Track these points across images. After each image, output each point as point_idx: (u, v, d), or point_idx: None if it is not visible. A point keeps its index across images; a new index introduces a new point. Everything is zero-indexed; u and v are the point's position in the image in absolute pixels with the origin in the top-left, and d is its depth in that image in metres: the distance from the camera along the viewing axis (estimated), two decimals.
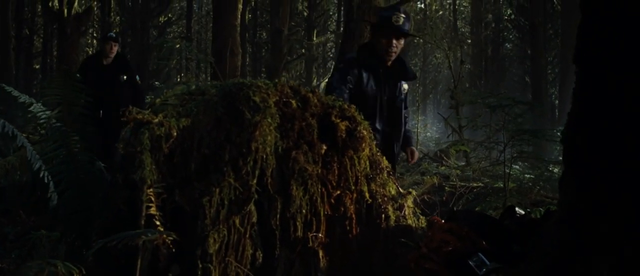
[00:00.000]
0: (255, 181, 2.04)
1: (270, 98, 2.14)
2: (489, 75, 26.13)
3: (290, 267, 2.10)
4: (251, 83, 2.15)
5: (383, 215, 2.35)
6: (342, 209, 2.25)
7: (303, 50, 21.81)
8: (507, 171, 5.56)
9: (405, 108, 3.88)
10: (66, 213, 2.19)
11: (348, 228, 2.25)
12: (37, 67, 25.58)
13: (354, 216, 2.27)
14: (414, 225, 2.44)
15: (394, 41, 3.49)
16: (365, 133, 2.34)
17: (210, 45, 12.65)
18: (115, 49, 6.71)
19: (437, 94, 31.49)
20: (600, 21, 1.78)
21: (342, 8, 21.03)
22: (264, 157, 2.06)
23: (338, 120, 2.28)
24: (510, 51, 29.98)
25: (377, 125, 3.45)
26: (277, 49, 16.25)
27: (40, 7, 21.70)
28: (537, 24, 19.78)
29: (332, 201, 2.24)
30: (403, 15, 3.50)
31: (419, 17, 25.58)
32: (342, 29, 14.87)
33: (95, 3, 21.14)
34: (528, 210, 2.70)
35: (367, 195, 2.32)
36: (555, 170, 6.74)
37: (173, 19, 27.97)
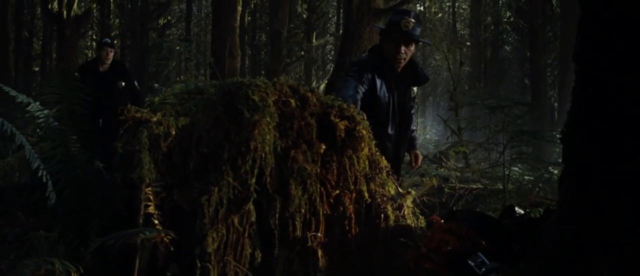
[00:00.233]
0: (254, 180, 2.03)
1: (269, 97, 2.13)
2: (488, 77, 26.16)
3: (289, 267, 2.10)
4: (250, 83, 2.14)
5: (382, 215, 2.34)
6: (341, 209, 2.24)
7: (302, 53, 21.83)
8: (507, 172, 5.56)
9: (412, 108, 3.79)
10: (64, 212, 2.18)
11: (347, 227, 2.25)
12: (36, 69, 25.59)
13: (353, 216, 2.27)
14: (413, 224, 2.44)
15: (403, 47, 3.36)
16: (364, 132, 2.33)
17: (210, 48, 12.65)
18: (111, 55, 6.58)
19: (436, 97, 31.51)
20: (599, 19, 1.78)
21: (342, 10, 21.05)
22: (263, 156, 2.06)
23: (337, 120, 2.27)
24: (510, 53, 30.02)
25: (389, 131, 3.39)
26: (276, 51, 16.27)
27: (39, 9, 21.71)
28: (536, 27, 19.80)
29: (331, 200, 2.23)
30: (413, 20, 3.35)
31: None
32: (341, 31, 14.87)
33: (95, 5, 21.14)
34: (527, 210, 2.69)
35: (366, 194, 2.31)
36: (555, 171, 6.73)
37: (172, 21, 28.00)
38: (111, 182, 2.03)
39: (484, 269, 2.02)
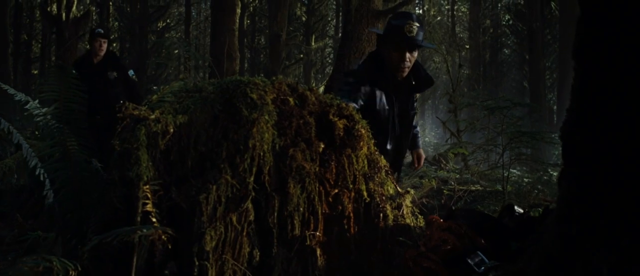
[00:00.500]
0: (252, 178, 2.03)
1: (268, 95, 2.13)
2: (487, 80, 26.20)
3: (287, 266, 2.09)
4: (248, 81, 2.14)
5: (381, 214, 2.33)
6: (340, 208, 2.23)
7: (301, 55, 21.85)
8: (506, 174, 5.55)
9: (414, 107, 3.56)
10: (62, 211, 2.17)
11: (346, 226, 2.24)
12: (35, 72, 25.58)
13: (352, 215, 2.26)
14: (412, 224, 2.43)
15: (408, 54, 3.10)
16: (363, 131, 2.33)
17: (209, 50, 12.67)
18: (105, 45, 6.40)
19: (435, 100, 31.53)
20: (599, 15, 1.77)
21: (341, 12, 21.08)
22: (261, 154, 2.05)
23: (336, 119, 2.27)
24: (508, 56, 30.08)
25: (388, 146, 3.16)
26: (276, 54, 16.27)
27: (38, 12, 21.73)
28: (535, 29, 19.84)
29: (330, 199, 2.22)
30: (417, 24, 3.06)
31: None
32: (340, 33, 14.89)
33: (94, 8, 21.16)
34: (526, 209, 2.69)
35: (365, 193, 2.30)
36: (554, 173, 6.73)
37: (171, 24, 28.03)
38: (109, 180, 2.02)
39: (483, 268, 2.01)
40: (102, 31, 6.50)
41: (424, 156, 3.77)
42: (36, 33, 25.75)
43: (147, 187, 1.91)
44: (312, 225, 2.15)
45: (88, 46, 6.70)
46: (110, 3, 23.29)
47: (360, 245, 2.25)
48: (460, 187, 6.38)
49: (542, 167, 6.28)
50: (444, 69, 10.23)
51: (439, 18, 29.42)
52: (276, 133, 2.12)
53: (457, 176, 7.09)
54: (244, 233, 2.02)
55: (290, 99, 2.20)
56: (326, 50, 26.39)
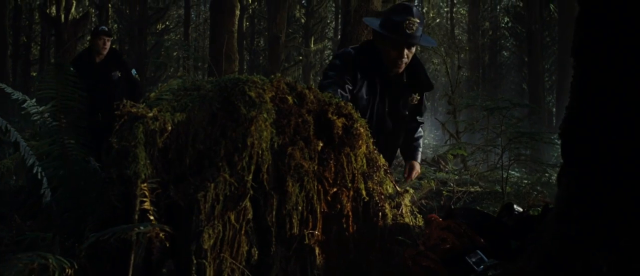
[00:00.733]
0: (250, 177, 2.02)
1: (266, 93, 2.12)
2: (486, 82, 26.24)
3: (286, 264, 2.08)
4: (247, 79, 2.13)
5: (380, 213, 2.32)
6: (339, 206, 2.22)
7: (300, 57, 21.87)
8: (505, 175, 5.55)
9: (420, 115, 3.42)
10: (59, 210, 2.17)
11: (345, 225, 2.23)
12: (35, 74, 25.58)
13: (350, 213, 2.25)
14: (411, 223, 2.42)
15: (405, 51, 2.99)
16: (362, 130, 2.32)
17: (208, 53, 12.68)
18: (108, 44, 6.20)
19: (434, 102, 31.54)
20: (598, 12, 1.77)
21: (340, 14, 21.10)
22: (260, 152, 2.04)
23: (335, 117, 2.26)
24: (507, 58, 30.13)
25: None
26: (275, 56, 16.29)
27: (37, 15, 21.74)
28: (534, 31, 19.87)
29: (329, 198, 2.21)
30: (417, 20, 2.93)
31: None
32: (339, 35, 14.90)
33: (93, 10, 21.17)
34: (526, 209, 2.67)
35: (364, 192, 2.29)
36: (553, 175, 6.73)
37: (171, 26, 28.05)
38: (106, 179, 2.01)
39: (482, 266, 2.01)
40: (106, 29, 6.33)
41: (418, 170, 3.47)
42: (35, 35, 25.77)
43: (145, 185, 1.90)
44: (310, 224, 2.14)
45: (90, 44, 6.50)
46: (110, 5, 23.29)
47: (359, 244, 2.24)
48: (460, 188, 6.39)
49: (541, 168, 6.28)
50: (443, 70, 10.23)
51: (438, 20, 29.46)
52: (275, 131, 2.11)
53: (456, 177, 7.10)
54: (242, 232, 2.01)
55: (289, 98, 2.19)
56: (325, 52, 26.40)
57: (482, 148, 7.42)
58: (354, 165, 2.28)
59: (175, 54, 25.66)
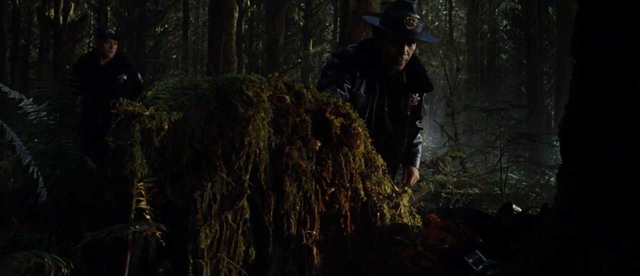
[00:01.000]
0: (248, 176, 2.01)
1: (264, 93, 2.11)
2: (485, 84, 26.26)
3: (283, 264, 2.07)
4: (244, 78, 2.12)
5: (378, 213, 2.31)
6: (337, 206, 2.21)
7: (299, 60, 21.87)
8: (503, 177, 5.54)
9: (420, 119, 3.41)
10: (56, 210, 2.15)
11: (343, 225, 2.21)
12: (33, 77, 25.51)
13: (348, 214, 2.23)
14: (409, 223, 2.41)
15: (406, 47, 2.96)
16: (360, 130, 2.30)
17: (206, 55, 12.68)
18: (115, 47, 6.13)
19: (433, 105, 31.56)
20: (597, 10, 1.76)
21: (339, 17, 21.13)
22: (257, 152, 2.03)
23: (333, 117, 2.24)
24: (506, 61, 30.16)
25: None
26: (273, 58, 16.28)
27: (36, 18, 21.75)
28: (532, 34, 19.89)
29: (327, 198, 2.20)
30: (417, 16, 2.91)
31: None
32: (338, 38, 14.91)
33: (91, 12, 21.16)
34: (525, 209, 2.66)
35: (362, 192, 2.28)
36: (552, 177, 6.73)
37: (169, 29, 28.04)
38: (103, 178, 2.00)
39: (481, 266, 2.00)
40: (113, 32, 6.22)
41: (417, 176, 3.40)
42: (34, 38, 25.74)
43: (141, 184, 1.89)
44: (308, 224, 2.13)
45: (95, 47, 6.35)
46: (108, 8, 23.29)
47: (357, 244, 2.23)
48: (458, 190, 6.38)
49: (540, 170, 6.27)
50: (442, 73, 10.24)
51: (436, 23, 29.48)
52: (272, 130, 2.10)
53: (455, 179, 7.09)
54: (240, 232, 2.00)
55: (287, 97, 2.18)
56: (324, 55, 26.40)
57: (481, 149, 7.42)
58: (352, 164, 2.26)
59: (174, 56, 25.66)
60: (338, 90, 2.90)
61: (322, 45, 24.33)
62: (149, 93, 2.08)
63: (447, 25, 29.92)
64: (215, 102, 2.06)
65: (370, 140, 2.48)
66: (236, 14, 12.04)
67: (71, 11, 14.56)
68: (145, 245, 1.88)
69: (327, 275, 2.14)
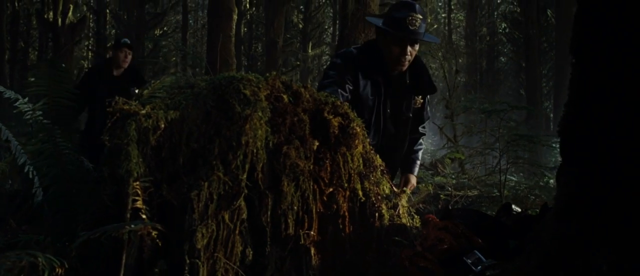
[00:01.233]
0: (245, 175, 1.99)
1: (261, 92, 2.09)
2: (484, 87, 26.27)
3: (281, 265, 2.05)
4: (242, 77, 2.10)
5: (377, 214, 2.30)
6: (335, 207, 2.19)
7: (298, 63, 21.87)
8: (503, 179, 5.52)
9: (423, 123, 3.36)
10: (51, 210, 2.13)
11: (341, 226, 2.20)
12: (32, 79, 25.48)
13: (347, 214, 2.22)
14: (408, 223, 2.39)
15: (409, 48, 2.95)
16: (358, 130, 2.29)
17: (205, 57, 12.68)
18: (130, 57, 5.98)
19: (432, 107, 31.60)
20: (597, 8, 1.75)
21: (338, 20, 21.13)
22: (255, 151, 2.01)
23: (331, 116, 2.23)
24: (505, 64, 30.19)
25: (371, 142, 2.75)
26: (272, 61, 16.27)
27: (35, 20, 21.75)
28: (531, 37, 19.89)
29: (325, 198, 2.18)
30: (420, 16, 2.91)
31: None
32: (337, 41, 14.91)
33: (90, 15, 21.15)
34: (524, 209, 2.64)
35: (360, 193, 2.26)
36: (552, 179, 6.71)
37: (168, 32, 28.03)
38: (99, 178, 1.98)
39: (480, 267, 1.98)
40: (129, 41, 6.08)
41: (414, 184, 3.35)
42: (33, 40, 25.72)
43: (137, 183, 1.87)
44: (306, 224, 2.11)
45: (110, 56, 6.22)
46: (108, 10, 23.28)
47: (356, 245, 2.21)
48: (457, 192, 6.36)
49: (539, 171, 6.26)
50: (441, 75, 10.23)
51: (435, 26, 29.50)
52: (270, 130, 2.08)
53: (454, 181, 7.07)
54: (237, 232, 1.98)
55: (284, 96, 2.17)
56: (323, 57, 26.41)
57: (480, 151, 7.41)
58: (351, 165, 2.25)
59: (173, 59, 25.64)
60: (339, 90, 2.89)
61: (321, 47, 24.34)
62: (146, 92, 2.06)
63: (446, 27, 29.95)
64: (212, 101, 2.04)
65: (372, 141, 2.46)
66: (235, 17, 12.03)
67: (70, 13, 14.56)
68: (141, 245, 1.86)
69: (325, 275, 2.12)
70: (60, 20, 14.24)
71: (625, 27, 1.68)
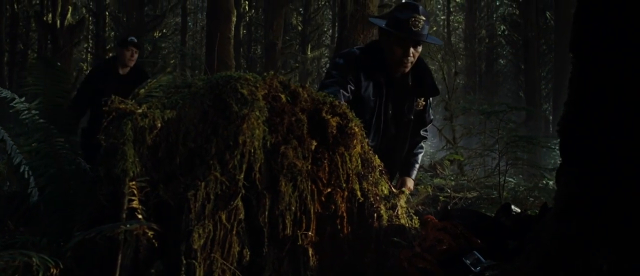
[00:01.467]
0: (242, 175, 1.97)
1: (259, 91, 2.08)
2: (483, 89, 26.27)
3: (278, 266, 2.03)
4: (239, 76, 2.09)
5: (375, 214, 2.28)
6: (333, 207, 2.18)
7: (297, 65, 21.87)
8: (502, 180, 5.51)
9: (425, 126, 3.33)
10: (47, 210, 2.12)
11: (339, 226, 2.18)
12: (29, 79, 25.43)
13: (345, 214, 2.20)
14: (407, 224, 2.38)
15: (411, 49, 2.93)
16: (356, 130, 2.27)
17: (204, 59, 12.67)
18: (136, 56, 5.80)
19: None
20: (597, 6, 1.74)
21: (337, 22, 21.13)
22: (252, 151, 1.99)
23: (329, 116, 2.21)
24: (504, 66, 30.20)
25: (371, 143, 2.87)
26: (272, 63, 16.27)
27: (34, 22, 21.76)
28: (530, 39, 19.90)
29: (323, 199, 2.17)
30: (423, 17, 2.89)
31: None
32: (335, 43, 14.91)
33: (89, 16, 21.14)
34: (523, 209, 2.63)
35: (358, 193, 2.24)
36: (551, 181, 6.70)
37: (168, 34, 28.01)
38: (95, 178, 1.97)
39: (479, 267, 1.96)
40: (135, 40, 5.89)
41: (410, 188, 3.29)
42: (32, 42, 25.71)
43: (134, 183, 1.86)
44: (304, 225, 2.09)
45: (115, 54, 6.05)
46: (107, 12, 23.26)
47: (354, 245, 2.20)
48: (456, 194, 6.35)
49: (538, 173, 6.25)
50: (440, 77, 10.23)
51: (434, 28, 29.51)
52: (267, 130, 2.06)
53: (453, 183, 7.06)
54: (234, 232, 1.96)
55: (282, 96, 2.15)
56: (322, 59, 26.39)
57: (479, 153, 7.40)
58: (349, 165, 2.23)
59: (172, 61, 25.62)
60: (341, 90, 2.88)
61: (320, 49, 24.33)
62: (142, 91, 2.04)
63: (445, 29, 29.95)
64: (210, 101, 2.03)
65: (372, 142, 2.44)
66: (234, 19, 12.04)
67: (69, 15, 14.56)
68: (137, 245, 1.85)
69: None
70: (59, 22, 14.24)
71: (625, 24, 1.67)
